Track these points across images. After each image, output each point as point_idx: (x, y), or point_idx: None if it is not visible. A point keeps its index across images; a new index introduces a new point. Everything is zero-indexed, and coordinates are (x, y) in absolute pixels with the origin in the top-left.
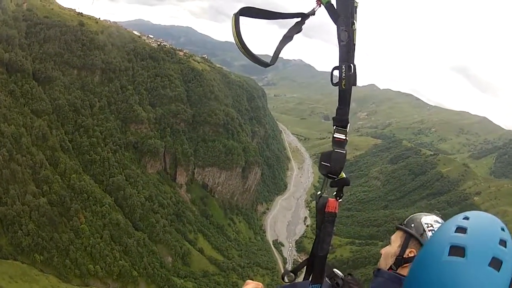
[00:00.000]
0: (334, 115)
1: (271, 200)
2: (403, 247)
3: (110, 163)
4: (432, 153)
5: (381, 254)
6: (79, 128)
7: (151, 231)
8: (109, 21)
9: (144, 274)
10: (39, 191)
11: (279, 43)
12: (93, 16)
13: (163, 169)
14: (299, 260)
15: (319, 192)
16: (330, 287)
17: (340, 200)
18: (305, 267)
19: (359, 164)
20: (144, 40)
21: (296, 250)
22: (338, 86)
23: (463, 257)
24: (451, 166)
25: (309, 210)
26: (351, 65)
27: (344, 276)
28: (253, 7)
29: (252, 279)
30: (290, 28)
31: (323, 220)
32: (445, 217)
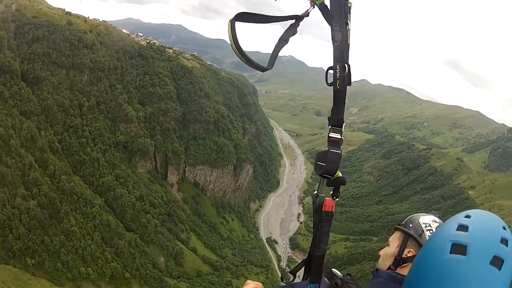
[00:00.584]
0: (329, 114)
1: (264, 198)
2: (402, 247)
3: (100, 163)
4: (425, 147)
5: (379, 256)
6: (68, 128)
7: (143, 231)
8: (98, 20)
9: (137, 276)
10: (28, 193)
11: (275, 46)
12: (81, 15)
13: (153, 168)
14: (294, 257)
15: (315, 192)
16: (329, 287)
17: (337, 199)
18: (303, 267)
19: (352, 160)
20: (133, 38)
21: (290, 247)
22: (332, 86)
23: (465, 255)
24: (445, 160)
25: (302, 207)
26: (346, 65)
27: (343, 276)
28: (248, 12)
29: (247, 278)
30: (285, 31)
31: (320, 219)
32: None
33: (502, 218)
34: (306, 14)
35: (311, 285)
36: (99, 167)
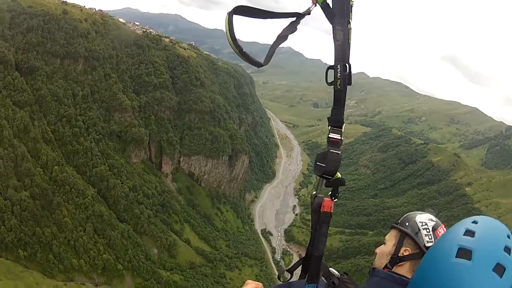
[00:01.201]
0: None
1: (260, 189)
2: (398, 246)
3: (93, 153)
4: (422, 142)
5: (376, 254)
6: (61, 118)
7: (136, 222)
8: (95, 9)
9: (129, 267)
10: (21, 184)
11: (273, 42)
12: (77, 4)
13: (148, 158)
14: (288, 249)
15: (314, 192)
16: (326, 286)
17: (336, 200)
18: (300, 266)
19: (349, 152)
20: (130, 27)
21: (285, 240)
22: (333, 86)
23: (470, 260)
24: (442, 155)
25: (298, 199)
26: (347, 64)
27: (340, 275)
28: (248, 6)
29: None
30: (285, 28)
31: (318, 220)
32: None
33: (500, 217)
34: (308, 12)
35: (308, 284)
36: (92, 157)
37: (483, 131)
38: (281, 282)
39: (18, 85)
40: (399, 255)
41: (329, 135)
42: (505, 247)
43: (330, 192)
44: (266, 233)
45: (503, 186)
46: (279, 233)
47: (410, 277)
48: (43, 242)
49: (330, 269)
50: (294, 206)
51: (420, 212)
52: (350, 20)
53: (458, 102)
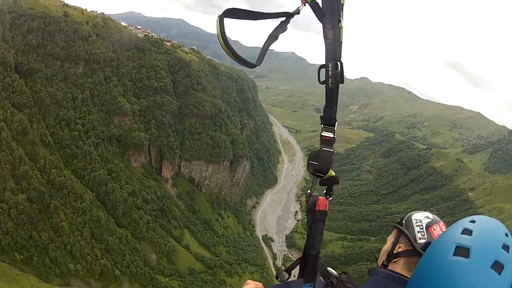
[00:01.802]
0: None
1: (261, 194)
2: (394, 243)
3: (92, 157)
4: (425, 147)
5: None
6: (60, 121)
7: (134, 227)
8: (97, 12)
9: (127, 273)
10: (18, 187)
11: (265, 43)
12: (79, 7)
13: (148, 162)
14: (289, 256)
15: (309, 191)
16: (324, 286)
17: (330, 198)
18: (298, 266)
19: (351, 158)
20: (131, 31)
21: (287, 246)
22: (325, 85)
23: (467, 257)
24: (445, 160)
25: (300, 204)
26: (338, 63)
27: (339, 274)
28: (238, 8)
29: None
30: (275, 28)
31: (314, 218)
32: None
33: (502, 222)
34: (297, 11)
35: (306, 284)
36: (91, 161)
37: (486, 135)
38: (279, 282)
39: (17, 87)
40: (394, 252)
41: (322, 133)
42: (503, 244)
43: (325, 191)
44: (267, 239)
45: (506, 191)
46: (281, 239)
47: (403, 273)
48: (40, 246)
49: (328, 268)
50: (296, 212)
51: (420, 211)
52: (341, 19)
53: (461, 107)
